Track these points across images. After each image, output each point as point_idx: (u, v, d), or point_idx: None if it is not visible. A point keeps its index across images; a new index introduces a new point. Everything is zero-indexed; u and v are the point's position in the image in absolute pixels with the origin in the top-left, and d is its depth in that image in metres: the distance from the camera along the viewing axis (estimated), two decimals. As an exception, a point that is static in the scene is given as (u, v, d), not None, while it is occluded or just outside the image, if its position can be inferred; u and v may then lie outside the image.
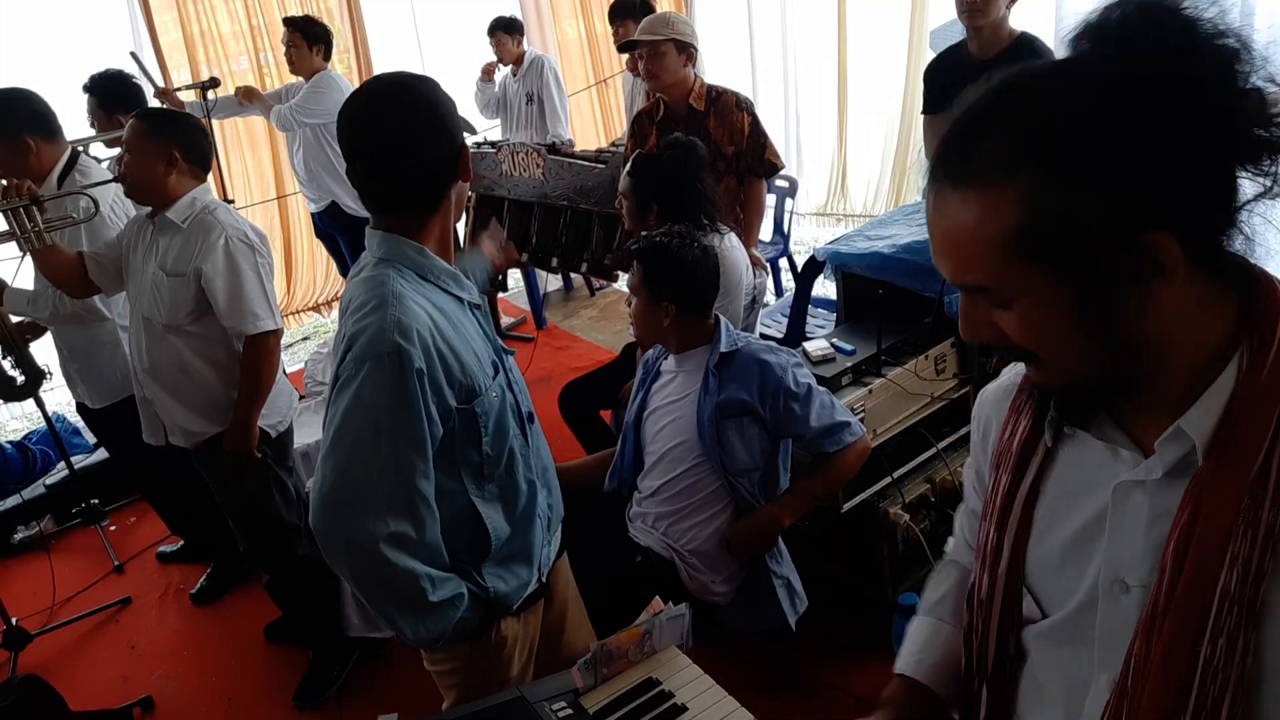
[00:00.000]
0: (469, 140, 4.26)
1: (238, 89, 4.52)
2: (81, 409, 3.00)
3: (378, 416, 1.30)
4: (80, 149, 2.80)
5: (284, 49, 4.32)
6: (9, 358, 2.89)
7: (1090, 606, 0.81)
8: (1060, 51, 0.74)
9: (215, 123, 4.28)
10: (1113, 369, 0.73)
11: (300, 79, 4.38)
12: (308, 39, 4.23)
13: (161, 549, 3.47)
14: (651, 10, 4.82)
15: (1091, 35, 0.68)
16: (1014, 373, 0.94)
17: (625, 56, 4.87)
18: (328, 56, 4.31)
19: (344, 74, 5.36)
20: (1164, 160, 0.65)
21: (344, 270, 4.96)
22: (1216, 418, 0.70)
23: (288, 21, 4.34)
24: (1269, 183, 0.68)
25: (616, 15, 4.77)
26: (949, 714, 1.03)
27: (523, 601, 1.59)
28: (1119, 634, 0.78)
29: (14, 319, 2.85)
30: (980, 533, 0.93)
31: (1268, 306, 0.71)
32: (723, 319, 2.21)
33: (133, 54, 3.95)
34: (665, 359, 2.30)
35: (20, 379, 2.91)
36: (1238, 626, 0.69)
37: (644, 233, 2.40)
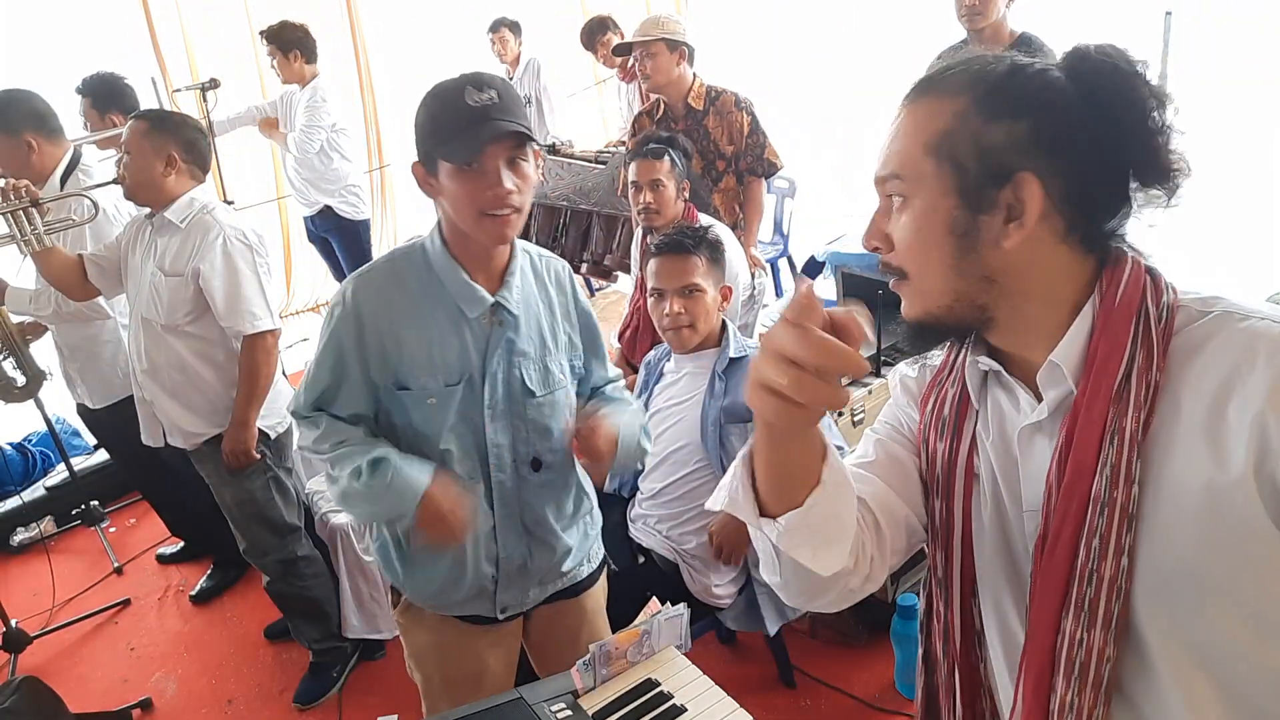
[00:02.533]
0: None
1: (261, 122, 4.54)
2: (81, 410, 2.99)
3: (327, 329, 1.55)
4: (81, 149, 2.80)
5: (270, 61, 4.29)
6: (10, 359, 2.88)
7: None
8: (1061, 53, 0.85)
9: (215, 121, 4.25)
10: (966, 299, 0.83)
11: (294, 85, 4.36)
12: (282, 49, 4.17)
13: (161, 550, 3.47)
14: (611, 25, 4.87)
15: (1070, 54, 0.83)
16: (925, 361, 1.04)
17: (615, 67, 4.88)
18: (310, 59, 4.23)
19: (344, 74, 5.35)
20: (1063, 129, 0.79)
21: (337, 273, 4.80)
22: (1081, 347, 0.81)
23: (262, 34, 4.28)
24: (1163, 195, 0.82)
25: (588, 38, 4.81)
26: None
27: (457, 615, 1.62)
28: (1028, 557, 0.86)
29: (15, 319, 2.84)
30: (928, 513, 0.98)
31: (1119, 260, 0.83)
32: (730, 324, 2.21)
33: (154, 79, 3.96)
34: (668, 360, 2.29)
35: (21, 380, 2.91)
36: (1109, 528, 0.78)
37: (670, 226, 2.43)
